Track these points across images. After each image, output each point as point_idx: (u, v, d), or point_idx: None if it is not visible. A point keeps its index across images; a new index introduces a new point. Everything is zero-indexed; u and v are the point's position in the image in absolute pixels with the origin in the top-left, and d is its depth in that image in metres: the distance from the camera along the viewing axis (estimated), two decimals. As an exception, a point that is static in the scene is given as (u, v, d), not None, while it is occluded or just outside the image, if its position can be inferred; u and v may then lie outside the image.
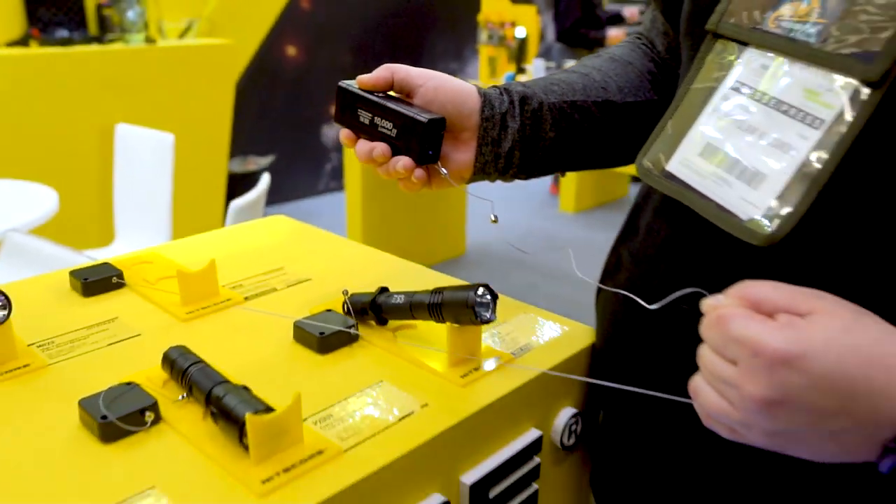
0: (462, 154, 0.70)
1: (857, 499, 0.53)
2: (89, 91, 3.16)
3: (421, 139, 0.65)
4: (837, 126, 0.46)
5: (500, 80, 2.92)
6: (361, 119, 0.69)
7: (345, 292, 0.70)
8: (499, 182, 0.74)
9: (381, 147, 0.67)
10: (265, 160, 4.28)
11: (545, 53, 4.93)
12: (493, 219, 0.69)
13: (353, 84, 0.71)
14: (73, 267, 0.80)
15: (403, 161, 0.67)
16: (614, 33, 4.81)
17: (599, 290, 0.72)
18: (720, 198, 0.51)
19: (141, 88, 3.32)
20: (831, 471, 0.48)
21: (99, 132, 3.18)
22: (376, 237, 3.36)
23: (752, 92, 0.51)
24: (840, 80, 0.46)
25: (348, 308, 0.70)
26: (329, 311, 0.70)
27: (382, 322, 0.69)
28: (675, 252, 0.59)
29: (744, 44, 0.53)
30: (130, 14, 3.49)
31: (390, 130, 0.67)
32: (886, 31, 0.44)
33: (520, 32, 2.89)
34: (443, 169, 0.68)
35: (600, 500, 0.72)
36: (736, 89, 0.52)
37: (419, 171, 0.68)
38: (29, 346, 0.67)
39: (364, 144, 0.69)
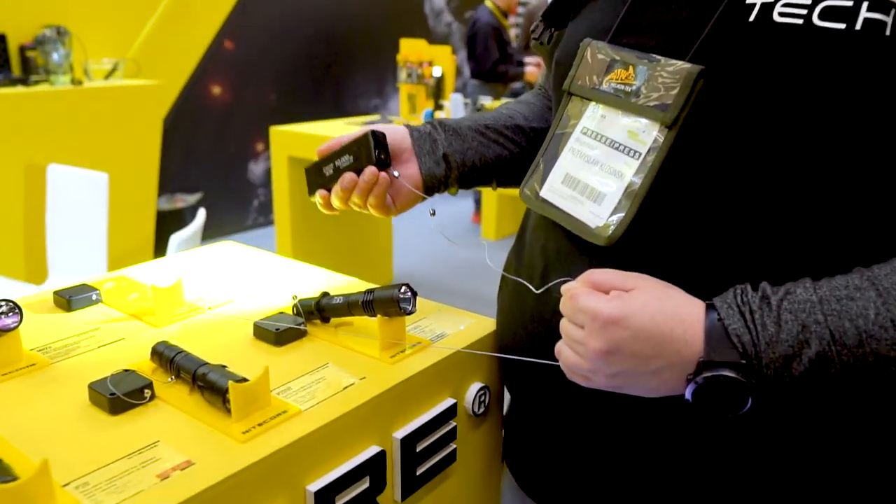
0: (409, 168, 0.88)
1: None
2: (16, 133, 3.21)
3: (372, 146, 0.83)
4: (649, 156, 0.66)
5: (420, 116, 3.12)
6: (326, 173, 0.88)
7: (294, 297, 0.86)
8: (444, 196, 0.94)
9: (348, 176, 0.85)
10: (193, 197, 4.36)
11: (462, 89, 5.18)
12: (431, 212, 0.88)
13: (314, 162, 0.91)
14: (48, 289, 0.94)
15: (368, 169, 0.84)
16: (531, 69, 5.11)
17: (501, 287, 0.90)
18: (576, 213, 0.70)
19: (69, 129, 3.39)
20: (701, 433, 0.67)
21: (27, 173, 3.23)
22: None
23: (595, 135, 0.70)
24: (649, 124, 0.66)
25: (298, 310, 0.86)
26: (281, 313, 0.87)
27: (326, 320, 0.86)
28: (549, 254, 0.78)
29: (588, 100, 0.72)
30: (55, 56, 3.55)
31: (349, 161, 0.85)
32: (675, 90, 0.64)
33: (436, 72, 3.11)
34: (395, 171, 0.86)
35: (514, 470, 0.90)
36: (584, 133, 0.72)
37: (383, 175, 0.85)
38: (30, 350, 0.80)
39: (335, 187, 0.87)
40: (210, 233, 4.60)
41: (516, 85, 5.06)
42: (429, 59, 3.42)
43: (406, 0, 5.76)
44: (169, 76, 4.15)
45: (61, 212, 2.76)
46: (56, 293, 0.93)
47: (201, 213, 2.16)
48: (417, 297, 0.79)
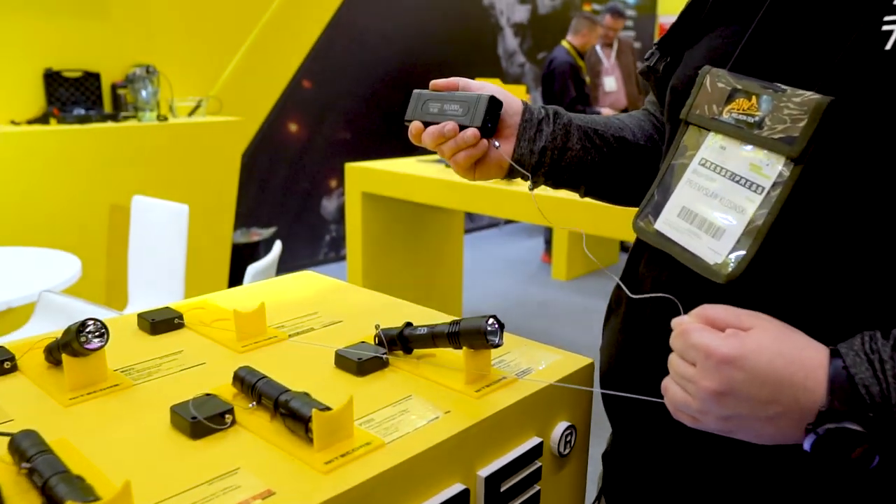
0: (504, 143, 0.86)
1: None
2: (105, 165, 3.34)
3: (485, 111, 0.82)
4: (773, 191, 0.62)
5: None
6: (431, 110, 0.86)
7: (376, 326, 0.84)
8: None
9: (450, 124, 0.83)
10: (267, 231, 4.44)
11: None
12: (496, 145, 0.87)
13: (423, 91, 0.90)
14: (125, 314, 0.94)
15: (471, 130, 0.82)
16: (606, 111, 5.09)
17: (607, 320, 0.86)
18: (693, 247, 0.67)
19: (153, 163, 3.51)
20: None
21: (113, 204, 3.35)
22: (376, 303, 3.49)
23: (714, 166, 0.67)
24: (774, 157, 0.62)
25: (380, 339, 0.84)
26: (363, 342, 0.84)
27: (408, 351, 0.83)
28: (663, 288, 0.74)
29: (706, 130, 0.69)
30: (144, 94, 3.70)
31: (457, 111, 0.84)
32: (802, 122, 0.60)
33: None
34: (496, 142, 0.85)
35: None
36: (703, 164, 0.68)
37: (484, 141, 0.83)
38: (114, 370, 0.80)
39: (434, 127, 0.85)
40: (283, 266, 4.67)
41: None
42: (503, 97, 3.42)
43: (479, 41, 5.82)
44: (249, 113, 4.27)
45: (143, 241, 2.84)
46: (140, 316, 0.93)
47: (277, 245, 2.19)
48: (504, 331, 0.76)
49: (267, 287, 1.12)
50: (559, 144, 0.86)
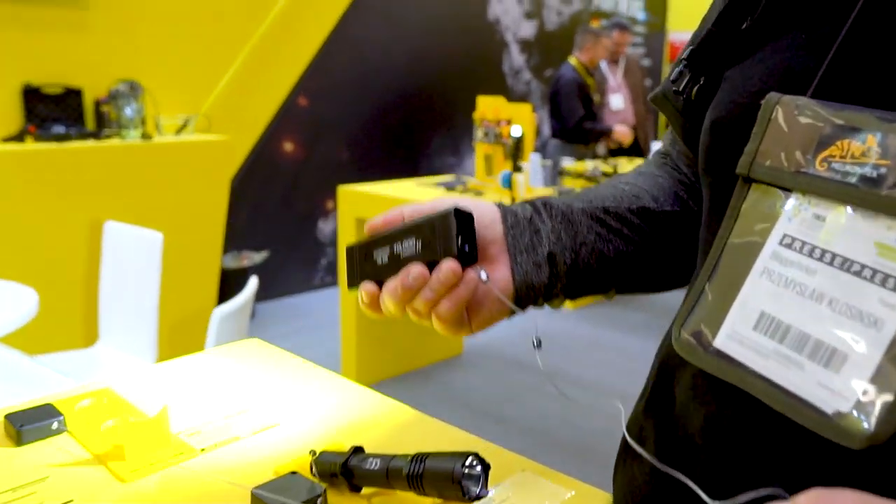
0: (497, 271, 0.60)
1: None
2: (82, 187, 3.12)
3: (455, 232, 0.56)
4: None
5: (497, 178, 2.90)
6: (379, 261, 0.61)
7: (312, 453, 0.60)
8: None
9: (415, 269, 0.57)
10: (259, 256, 4.22)
11: (541, 149, 4.96)
12: (535, 343, 0.59)
13: (360, 241, 0.65)
14: (8, 409, 0.71)
15: (446, 265, 0.56)
16: (622, 129, 4.86)
17: (621, 461, 0.62)
18: (789, 382, 0.42)
19: (135, 184, 3.29)
20: None
21: (89, 229, 3.13)
22: (370, 335, 3.27)
23: (809, 248, 0.43)
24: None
25: (316, 470, 0.60)
26: (294, 473, 0.61)
27: (355, 489, 0.60)
28: (722, 435, 0.50)
29: (787, 189, 0.45)
30: (128, 110, 3.50)
31: (416, 248, 0.59)
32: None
33: (515, 131, 2.88)
34: (482, 272, 0.58)
35: None
36: (788, 245, 0.44)
37: (469, 274, 0.57)
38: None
39: (392, 282, 0.59)
40: (276, 291, 4.45)
41: (600, 148, 4.81)
42: (507, 117, 3.20)
43: (484, 58, 5.61)
44: (241, 132, 4.06)
45: (115, 272, 2.62)
46: (7, 418, 0.70)
47: (252, 283, 1.96)
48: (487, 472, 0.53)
49: (197, 365, 0.89)
50: (567, 243, 0.62)
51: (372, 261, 0.62)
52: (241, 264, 4.07)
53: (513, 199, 2.69)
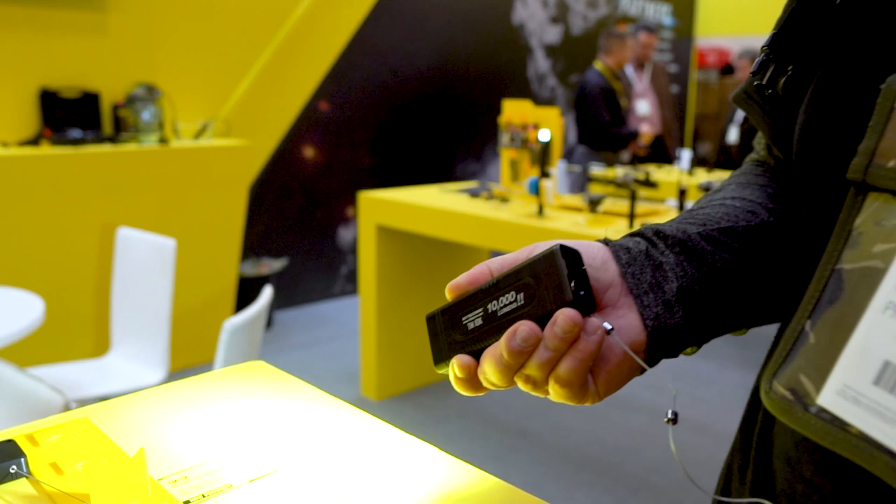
0: (621, 318, 0.49)
1: None
2: (97, 192, 3.05)
3: (565, 272, 0.45)
4: None
5: (524, 185, 2.78)
6: (471, 326, 0.50)
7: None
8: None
9: (523, 326, 0.45)
10: (279, 263, 4.13)
11: (567, 156, 4.84)
12: (669, 419, 0.47)
13: (443, 308, 0.53)
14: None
15: (564, 313, 0.44)
16: (647, 129, 4.73)
17: None
18: None
19: (151, 189, 3.22)
20: None
21: (101, 235, 3.06)
22: (390, 345, 3.16)
23: None
24: None
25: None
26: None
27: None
28: None
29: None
30: (145, 115, 3.43)
31: (518, 301, 0.47)
32: None
33: (544, 136, 2.76)
34: (606, 324, 0.46)
35: None
36: None
37: (591, 323, 0.45)
38: None
39: (496, 346, 0.47)
40: (295, 299, 4.36)
41: (624, 155, 4.68)
42: (534, 121, 3.08)
43: (509, 63, 5.50)
44: (261, 137, 3.98)
45: (127, 279, 2.53)
46: (-40, 459, 0.59)
47: (266, 292, 1.86)
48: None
49: (192, 390, 0.78)
50: (695, 273, 0.50)
51: (461, 327, 0.50)
52: (259, 272, 3.98)
53: (540, 207, 2.57)
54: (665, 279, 0.49)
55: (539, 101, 5.79)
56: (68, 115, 3.35)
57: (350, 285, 4.69)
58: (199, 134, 3.62)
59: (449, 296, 0.51)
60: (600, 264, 0.49)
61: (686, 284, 0.49)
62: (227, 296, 3.58)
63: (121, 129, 3.44)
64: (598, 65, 4.64)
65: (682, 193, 2.39)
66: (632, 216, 2.41)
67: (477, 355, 0.48)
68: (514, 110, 3.17)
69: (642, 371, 0.49)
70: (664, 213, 2.70)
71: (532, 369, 0.46)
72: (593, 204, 2.58)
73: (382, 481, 0.58)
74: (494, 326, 0.47)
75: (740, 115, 4.54)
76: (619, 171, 3.08)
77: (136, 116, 3.44)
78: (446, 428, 2.88)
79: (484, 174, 5.37)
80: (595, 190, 3.09)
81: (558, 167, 3.06)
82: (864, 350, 0.35)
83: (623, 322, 0.48)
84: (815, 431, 0.36)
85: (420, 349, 3.29)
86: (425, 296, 3.28)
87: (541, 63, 5.80)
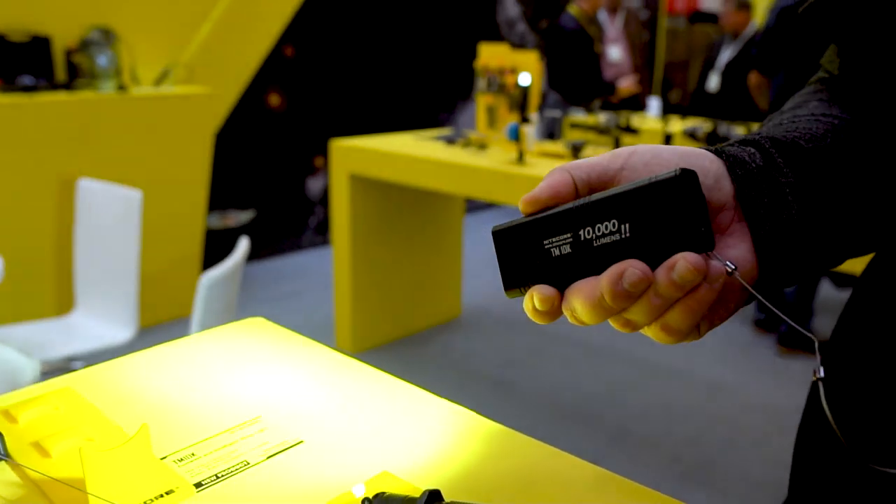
0: (734, 248, 0.42)
1: None
2: (52, 143, 2.89)
3: (691, 208, 0.37)
4: None
5: (504, 132, 2.69)
6: (558, 253, 0.42)
7: (365, 502, 0.42)
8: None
9: (632, 268, 0.38)
10: (245, 215, 4.01)
11: (541, 102, 4.75)
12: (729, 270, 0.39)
13: (510, 221, 0.45)
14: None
15: (686, 259, 0.37)
16: (625, 81, 4.65)
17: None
18: None
19: (111, 139, 3.07)
20: None
21: (61, 188, 2.91)
22: (365, 297, 3.08)
23: None
24: None
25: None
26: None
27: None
28: None
29: None
30: (101, 60, 3.24)
31: (621, 232, 0.39)
32: None
33: (524, 80, 2.67)
34: (729, 263, 0.39)
35: None
36: None
37: (714, 266, 0.38)
38: None
39: (590, 283, 0.40)
40: (264, 252, 4.25)
41: (596, 103, 4.59)
42: (511, 66, 2.98)
43: (478, 8, 5.35)
44: (224, 83, 3.81)
45: (91, 233, 2.41)
46: (-73, 440, 0.51)
47: (242, 245, 1.76)
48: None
49: (187, 351, 0.70)
50: (817, 193, 0.43)
51: (543, 252, 0.42)
52: (226, 224, 3.86)
53: (521, 154, 2.49)
54: (784, 205, 0.42)
55: (512, 45, 5.66)
56: (17, 61, 3.15)
57: (319, 237, 4.59)
58: (159, 80, 3.45)
59: (524, 209, 0.43)
60: (713, 182, 0.42)
61: (806, 213, 0.42)
62: (195, 249, 3.46)
63: (75, 76, 3.25)
64: (573, 9, 4.53)
65: (668, 139, 2.33)
66: (616, 162, 2.35)
67: (561, 285, 0.41)
68: (490, 54, 3.07)
69: (748, 303, 0.43)
70: (646, 159, 2.64)
71: (636, 314, 0.39)
72: (576, 150, 2.51)
73: (415, 444, 0.52)
74: (589, 259, 0.40)
75: (722, 60, 4.44)
76: (600, 118, 3.01)
77: (91, 62, 3.25)
78: (424, 380, 2.82)
79: (457, 120, 5.26)
80: (573, 136, 3.01)
81: (535, 115, 2.98)
82: None
83: (735, 252, 0.42)
84: None
85: (396, 300, 3.22)
86: (400, 246, 3.20)
87: (510, 8, 5.66)
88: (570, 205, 0.41)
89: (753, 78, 3.78)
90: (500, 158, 2.60)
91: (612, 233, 0.39)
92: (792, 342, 3.08)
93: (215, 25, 3.73)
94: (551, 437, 2.15)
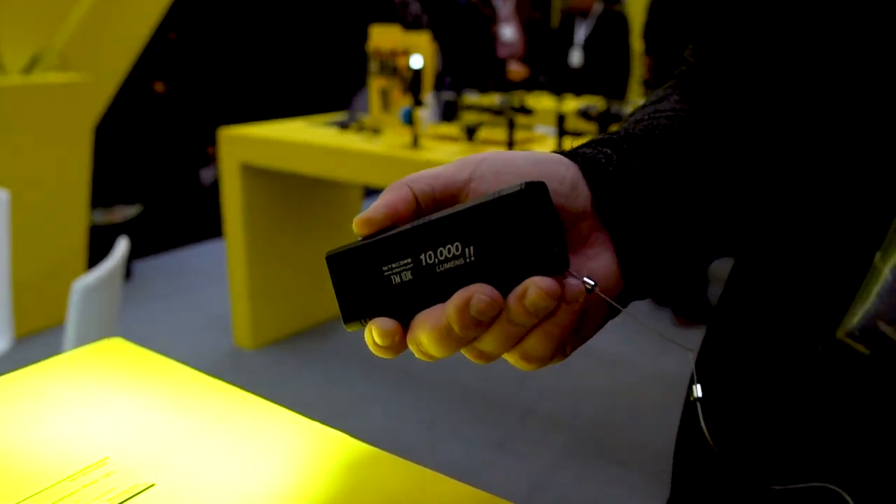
0: (594, 259, 0.39)
1: None
2: None
3: (539, 225, 0.33)
4: None
5: (398, 115, 2.64)
6: (399, 280, 0.37)
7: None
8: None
9: (481, 296, 0.33)
10: (133, 209, 3.82)
11: (437, 84, 4.71)
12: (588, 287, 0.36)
13: (348, 246, 0.40)
14: None
15: (538, 285, 0.32)
16: (515, 66, 4.67)
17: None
18: None
19: (-25, 134, 2.84)
20: None
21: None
22: (263, 290, 2.99)
23: None
24: None
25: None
26: None
27: None
28: None
29: None
30: (-39, 47, 3.01)
31: (465, 255, 0.35)
32: None
33: (416, 62, 2.62)
34: (588, 279, 0.35)
35: None
36: None
37: (570, 286, 0.34)
38: None
39: (434, 313, 0.35)
40: (155, 247, 4.06)
41: (487, 85, 4.59)
42: (404, 48, 2.93)
43: (371, -13, 5.25)
44: (103, 71, 3.60)
45: (-45, 238, 2.22)
46: None
47: (121, 245, 1.65)
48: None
49: (33, 382, 0.63)
50: (675, 200, 0.40)
51: (382, 279, 0.37)
52: (112, 219, 3.67)
53: (415, 137, 2.45)
54: (643, 210, 0.39)
55: (405, 26, 5.60)
56: None
57: (213, 229, 4.43)
58: (28, 68, 3.23)
59: (359, 231, 0.38)
60: (569, 189, 0.38)
61: (666, 216, 0.40)
62: (77, 249, 3.27)
63: (-68, 65, 3.00)
64: (464, -12, 4.51)
65: (561, 120, 2.34)
66: (510, 144, 2.34)
67: (404, 315, 0.37)
68: (382, 36, 3.01)
69: (614, 316, 0.40)
70: (540, 140, 2.65)
71: (489, 344, 0.36)
72: (470, 132, 2.49)
73: (279, 476, 0.47)
74: (433, 286, 0.36)
75: (581, 35, 4.48)
76: (495, 99, 3.00)
77: (-51, 49, 3.01)
78: (328, 371, 2.78)
79: (350, 104, 5.16)
80: (469, 118, 2.99)
81: (430, 96, 2.94)
82: None
83: (597, 264, 0.39)
84: None
85: (295, 293, 3.14)
86: (298, 236, 3.12)
87: (403, -13, 5.58)
88: (407, 226, 0.37)
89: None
90: (394, 143, 2.56)
91: (455, 257, 0.35)
92: (687, 314, 3.17)
93: (90, 8, 3.51)
94: (461, 421, 2.13)
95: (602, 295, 0.36)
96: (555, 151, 0.41)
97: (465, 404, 2.51)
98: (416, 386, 2.63)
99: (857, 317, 0.30)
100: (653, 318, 3.28)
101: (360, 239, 0.39)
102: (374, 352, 0.38)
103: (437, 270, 0.35)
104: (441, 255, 0.35)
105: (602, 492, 2.08)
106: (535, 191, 0.34)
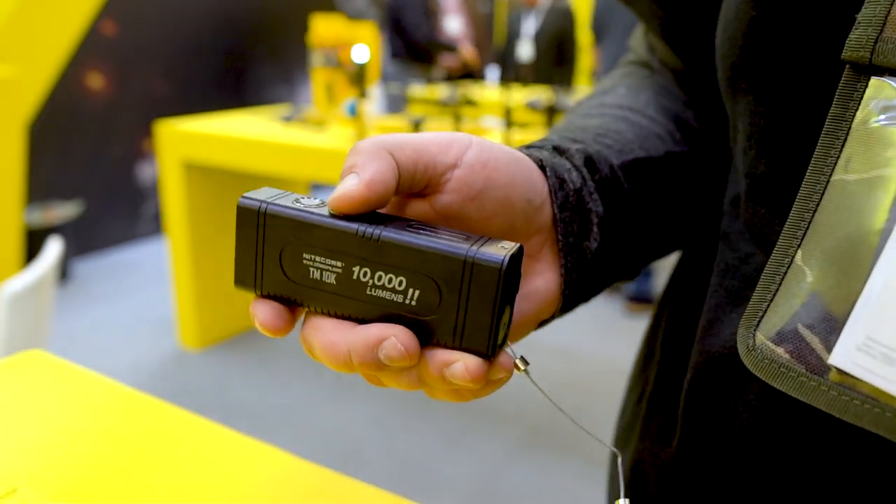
0: (539, 276, 0.38)
1: None
2: None
3: (493, 318, 0.30)
4: None
5: (343, 108, 2.59)
6: (317, 276, 0.32)
7: None
8: None
9: (397, 345, 0.30)
10: (70, 207, 3.69)
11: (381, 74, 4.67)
12: (519, 364, 0.34)
13: (276, 198, 0.33)
14: None
15: (467, 365, 0.30)
16: (469, 48, 4.65)
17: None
18: None
19: None
20: None
21: None
22: (208, 289, 2.92)
23: None
24: None
25: None
26: None
27: None
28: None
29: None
30: None
31: (405, 296, 0.31)
32: None
33: (360, 54, 2.58)
34: (520, 362, 0.33)
35: None
36: None
37: (503, 360, 0.33)
38: None
39: (341, 331, 0.32)
40: (94, 245, 3.94)
41: (437, 72, 4.56)
42: (348, 39, 2.88)
43: (315, -23, 5.17)
44: (35, 65, 3.47)
45: None
46: None
47: (52, 247, 1.59)
48: None
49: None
50: (615, 227, 0.40)
51: (299, 264, 0.33)
52: (48, 219, 3.54)
53: (361, 131, 2.41)
54: (588, 234, 0.39)
55: (348, 16, 5.53)
56: None
57: (155, 226, 4.32)
58: (-46, 63, 3.09)
59: (339, 212, 0.32)
60: (540, 204, 0.37)
61: (606, 243, 0.40)
62: (11, 252, 3.14)
63: None
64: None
65: (508, 113, 2.33)
66: (457, 137, 2.32)
67: (305, 305, 0.33)
68: (324, 28, 2.95)
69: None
70: (486, 132, 2.64)
71: (391, 382, 0.33)
72: (416, 125, 2.46)
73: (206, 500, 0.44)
74: (352, 301, 0.32)
75: (529, 27, 4.48)
76: (441, 91, 2.97)
77: None
78: (278, 370, 2.73)
79: (293, 97, 5.08)
80: (415, 111, 2.96)
81: (377, 88, 2.91)
82: (888, 289, 0.26)
83: (541, 281, 0.38)
84: (827, 402, 0.27)
85: (240, 291, 3.07)
86: (243, 233, 3.05)
87: (347, -22, 5.52)
88: (355, 226, 0.31)
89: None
90: (339, 136, 2.51)
91: (394, 291, 0.32)
92: (638, 298, 3.21)
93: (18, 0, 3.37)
94: (414, 417, 2.10)
95: (532, 380, 0.34)
96: (520, 148, 0.39)
97: (415, 400, 2.49)
98: (366, 384, 2.59)
99: (776, 317, 0.29)
100: (605, 305, 3.30)
101: (293, 199, 0.33)
102: (256, 325, 0.35)
103: (365, 292, 0.32)
104: (379, 280, 0.32)
105: (554, 483, 2.08)
106: (511, 271, 0.31)
